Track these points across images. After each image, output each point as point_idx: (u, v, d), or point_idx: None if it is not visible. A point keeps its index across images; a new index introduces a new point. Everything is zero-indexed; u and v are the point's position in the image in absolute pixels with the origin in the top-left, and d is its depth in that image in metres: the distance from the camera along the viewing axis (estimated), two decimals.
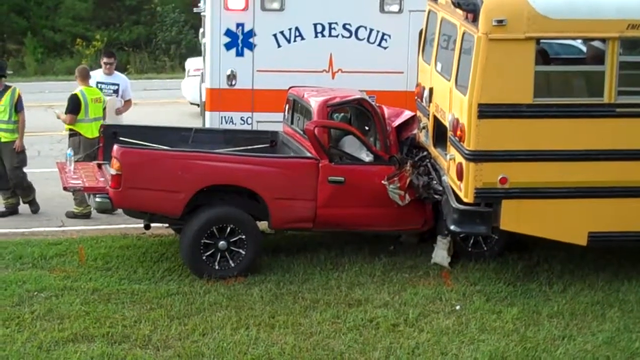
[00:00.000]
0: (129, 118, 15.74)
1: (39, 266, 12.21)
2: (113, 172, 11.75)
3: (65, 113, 14.27)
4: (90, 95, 14.36)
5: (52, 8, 35.24)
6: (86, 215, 14.26)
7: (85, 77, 14.61)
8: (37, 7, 35.10)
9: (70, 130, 14.33)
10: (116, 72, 15.54)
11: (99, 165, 12.92)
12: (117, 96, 15.14)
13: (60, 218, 14.30)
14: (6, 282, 11.59)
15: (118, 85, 15.25)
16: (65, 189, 12.36)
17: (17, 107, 14.32)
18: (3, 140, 14.31)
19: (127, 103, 15.42)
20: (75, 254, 12.59)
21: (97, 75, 15.31)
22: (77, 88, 14.43)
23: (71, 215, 14.31)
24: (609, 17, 10.91)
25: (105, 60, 15.46)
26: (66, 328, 10.33)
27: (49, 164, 15.11)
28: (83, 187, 12.32)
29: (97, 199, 12.14)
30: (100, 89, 14.91)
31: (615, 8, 10.96)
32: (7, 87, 14.39)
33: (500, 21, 10.69)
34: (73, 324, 10.44)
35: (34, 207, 14.55)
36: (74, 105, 14.21)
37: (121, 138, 12.81)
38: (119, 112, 15.06)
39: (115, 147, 11.83)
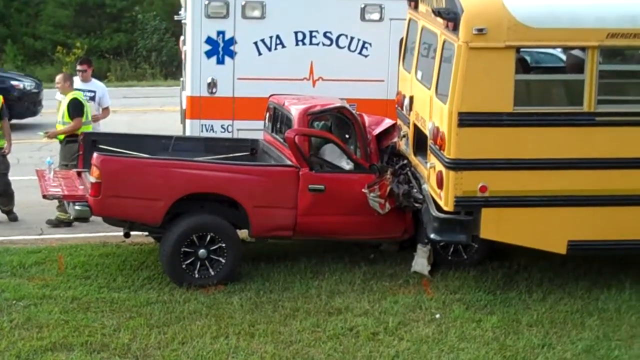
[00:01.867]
0: (109, 126, 15.67)
1: (17, 274, 12.13)
2: (93, 180, 11.68)
3: (71, 118, 14.10)
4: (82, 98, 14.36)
5: (32, 15, 35.19)
6: (69, 223, 14.17)
7: (72, 81, 14.60)
8: (18, 14, 35.02)
9: (70, 136, 14.14)
10: (93, 80, 15.45)
11: (79, 173, 12.87)
12: (93, 103, 15.04)
13: (40, 226, 14.22)
14: None
15: (95, 92, 15.15)
16: (44, 196, 12.29)
17: (2, 113, 14.26)
18: None
19: (105, 111, 15.33)
20: (54, 262, 12.52)
21: (74, 82, 15.26)
22: (71, 93, 14.29)
23: (55, 223, 14.21)
24: (588, 26, 10.93)
25: (78, 67, 15.41)
26: (45, 337, 10.27)
27: (28, 172, 15.01)
28: (62, 195, 12.27)
29: (77, 207, 12.09)
30: None
31: (595, 17, 10.99)
32: None
33: (480, 30, 10.69)
34: (52, 332, 10.38)
35: (12, 216, 14.48)
36: (78, 109, 14.10)
37: (101, 146, 12.78)
38: (95, 119, 14.93)
39: (95, 154, 11.78)
